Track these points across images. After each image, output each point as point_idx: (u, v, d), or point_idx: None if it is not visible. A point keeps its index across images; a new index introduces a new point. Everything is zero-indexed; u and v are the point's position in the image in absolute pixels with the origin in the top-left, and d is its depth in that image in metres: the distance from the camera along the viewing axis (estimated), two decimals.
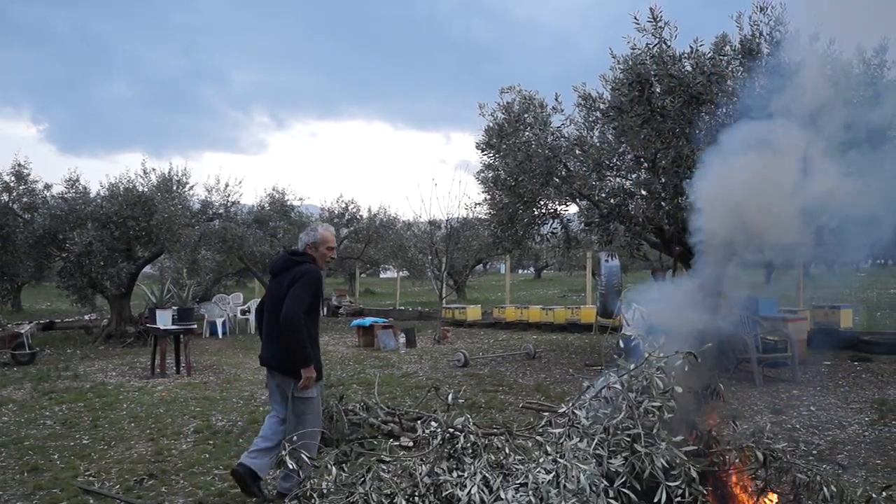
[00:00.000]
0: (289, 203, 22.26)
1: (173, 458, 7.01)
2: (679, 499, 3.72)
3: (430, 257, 20.98)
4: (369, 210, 24.01)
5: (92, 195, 17.47)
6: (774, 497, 4.28)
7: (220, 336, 18.77)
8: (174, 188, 17.73)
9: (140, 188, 17.46)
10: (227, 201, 20.22)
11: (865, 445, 6.98)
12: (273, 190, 22.38)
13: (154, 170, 18.11)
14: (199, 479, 6.30)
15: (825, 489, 4.12)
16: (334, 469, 4.10)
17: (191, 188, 18.74)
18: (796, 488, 4.26)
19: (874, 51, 10.82)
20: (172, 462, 6.85)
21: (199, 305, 19.63)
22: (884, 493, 4.20)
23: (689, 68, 10.69)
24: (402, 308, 26.20)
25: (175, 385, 11.12)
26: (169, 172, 18.06)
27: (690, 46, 10.67)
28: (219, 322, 19.04)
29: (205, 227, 19.22)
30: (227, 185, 20.03)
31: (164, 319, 12.18)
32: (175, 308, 12.73)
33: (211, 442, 7.58)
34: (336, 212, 23.26)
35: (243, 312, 20.67)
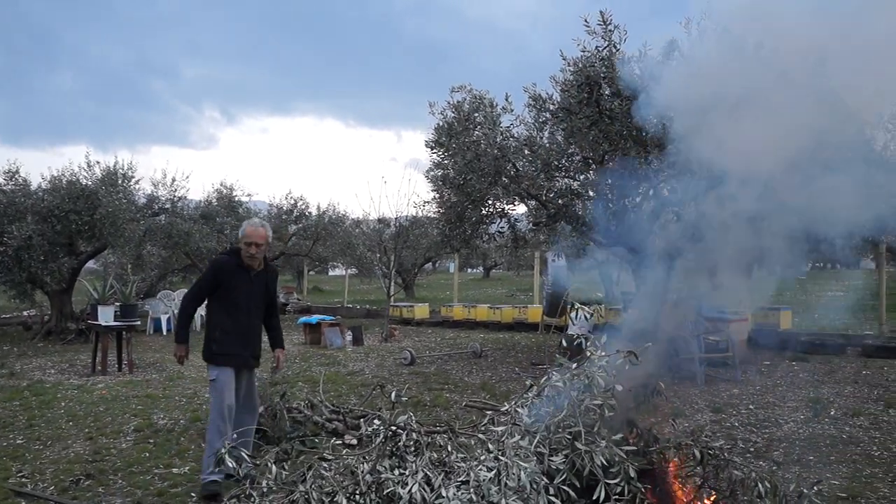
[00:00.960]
0: (237, 199, 21.98)
1: (112, 457, 6.89)
2: (617, 496, 3.77)
3: (378, 255, 20.94)
4: (318, 207, 23.85)
5: (33, 188, 17.08)
6: (712, 494, 4.36)
7: (165, 333, 18.49)
8: (119, 182, 17.39)
9: (84, 181, 17.08)
10: (174, 196, 19.90)
11: (800, 442, 7.16)
12: (221, 185, 22.09)
13: (98, 163, 17.72)
14: (138, 478, 6.20)
15: (760, 485, 4.21)
16: (274, 467, 4.06)
17: (136, 182, 18.41)
18: (732, 485, 4.35)
19: (815, 60, 11.07)
20: (111, 461, 6.74)
21: (144, 302, 19.32)
22: (815, 488, 4.30)
23: (637, 71, 10.82)
24: (350, 306, 26.08)
25: (116, 383, 10.93)
26: (114, 166, 17.74)
27: (639, 50, 10.81)
28: (163, 319, 18.76)
29: (150, 222, 18.91)
30: (173, 180, 19.74)
31: (107, 316, 11.95)
32: (118, 304, 12.50)
33: (152, 441, 7.47)
34: (285, 208, 23.05)
35: None
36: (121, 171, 17.68)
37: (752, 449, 6.94)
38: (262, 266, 6.07)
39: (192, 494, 5.73)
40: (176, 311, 19.63)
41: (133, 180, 18.13)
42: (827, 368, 11.49)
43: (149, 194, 19.44)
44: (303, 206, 23.11)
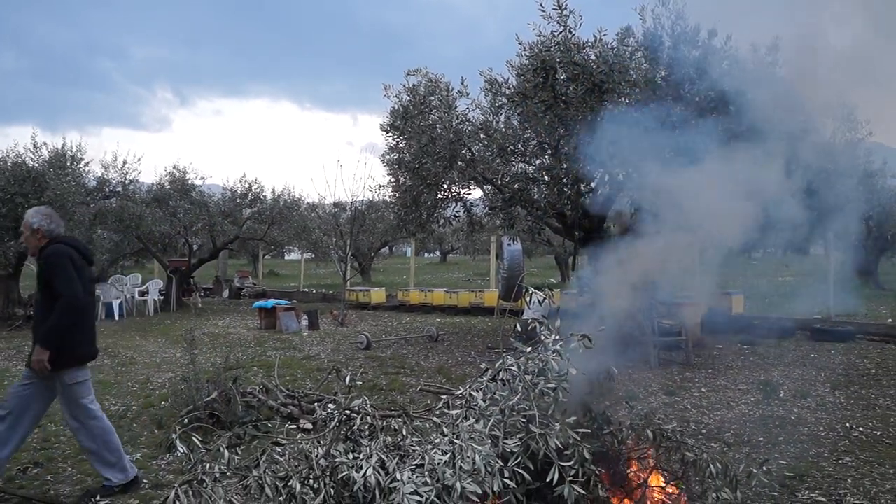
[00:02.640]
0: (190, 182, 21.66)
1: (61, 444, 6.76)
2: (572, 478, 3.79)
3: (334, 239, 20.82)
4: (273, 191, 23.58)
5: None
6: (665, 475, 4.42)
7: (117, 318, 18.23)
8: (68, 164, 17.03)
9: (30, 163, 16.68)
10: (125, 179, 19.57)
11: (750, 424, 7.29)
12: (174, 168, 21.74)
13: (45, 144, 17.31)
14: (87, 465, 6.06)
15: (711, 466, 4.28)
16: (227, 452, 4.01)
17: (86, 164, 18.06)
18: (685, 466, 4.41)
19: (766, 49, 11.23)
20: (60, 449, 6.61)
21: (95, 286, 18.98)
22: (763, 468, 4.39)
23: (592, 57, 10.87)
24: (306, 290, 25.95)
25: None
26: (63, 147, 17.37)
27: (594, 35, 10.86)
28: (115, 304, 18.49)
29: (101, 205, 18.55)
30: (125, 163, 19.41)
31: None
32: None
33: None
34: (239, 192, 22.73)
35: (141, 294, 20.11)
36: (69, 152, 17.32)
37: (703, 431, 7.05)
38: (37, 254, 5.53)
39: (145, 481, 5.65)
40: (129, 296, 19.36)
41: (83, 162, 17.79)
42: (777, 352, 11.71)
43: (99, 177, 19.07)
44: (258, 190, 22.84)
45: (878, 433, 6.90)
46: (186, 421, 6.38)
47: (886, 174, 19.35)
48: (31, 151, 16.98)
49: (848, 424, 7.19)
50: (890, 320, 14.29)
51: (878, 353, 11.40)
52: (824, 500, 5.14)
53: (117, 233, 20.09)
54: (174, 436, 4.25)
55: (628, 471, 4.47)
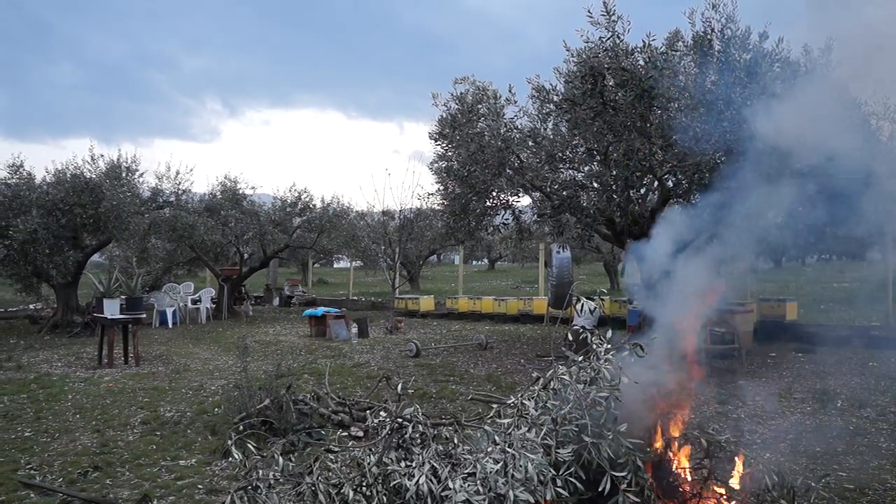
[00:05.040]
0: (241, 191, 21.98)
1: (119, 449, 6.90)
2: (625, 486, 3.77)
3: (383, 247, 20.92)
4: (322, 199, 23.80)
5: (37, 181, 17.05)
6: (719, 486, 4.36)
7: (170, 326, 18.54)
8: (123, 175, 17.41)
9: (88, 175, 17.09)
10: (178, 189, 19.91)
11: (807, 434, 7.14)
12: (225, 178, 22.07)
13: (102, 156, 17.77)
14: (145, 470, 6.21)
15: (767, 478, 4.21)
16: (281, 459, 4.06)
17: (140, 175, 18.42)
18: (740, 477, 4.34)
19: (820, 50, 11.03)
20: (118, 454, 6.75)
21: (149, 295, 19.35)
22: (822, 481, 4.30)
23: (641, 62, 10.77)
24: (356, 298, 26.12)
25: (123, 376, 10.95)
26: (118, 159, 17.76)
27: (643, 40, 10.75)
28: (168, 311, 18.80)
29: (154, 215, 18.91)
30: (177, 173, 19.74)
31: (112, 309, 11.95)
32: (123, 297, 12.51)
33: (158, 433, 7.47)
34: (289, 201, 23.00)
35: (194, 302, 20.42)
36: (124, 164, 17.70)
37: (758, 441, 6.93)
38: None
39: (200, 486, 5.74)
40: (181, 304, 19.69)
41: (137, 173, 18.16)
42: (833, 360, 11.46)
43: (153, 187, 19.43)
44: (307, 199, 23.10)
45: None
46: (240, 427, 6.47)
47: None
48: (88, 163, 17.44)
49: None
50: None
51: None
52: None
53: (170, 242, 20.46)
54: (229, 442, 4.31)
55: (681, 481, 4.42)
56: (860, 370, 10.59)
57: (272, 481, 4.00)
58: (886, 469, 6.00)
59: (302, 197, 23.05)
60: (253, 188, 22.60)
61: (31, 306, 19.74)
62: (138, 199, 17.87)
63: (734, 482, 4.35)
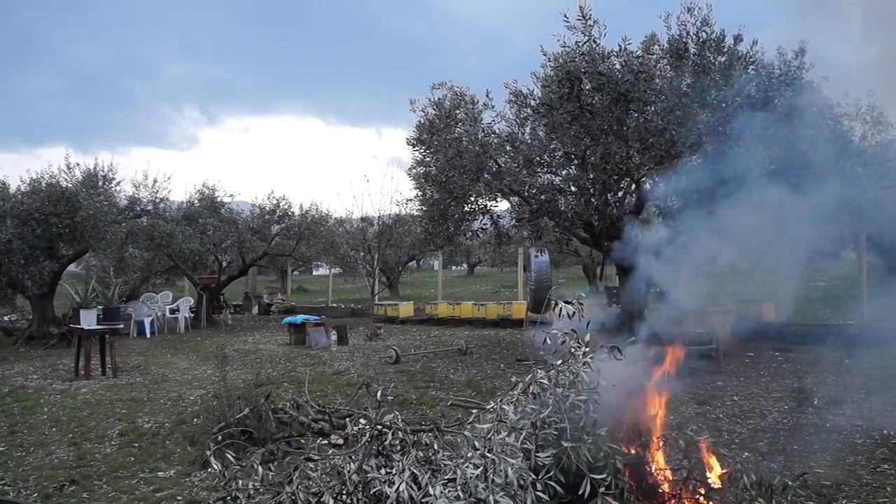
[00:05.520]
0: (219, 199, 21.87)
1: (96, 462, 6.84)
2: (604, 489, 3.78)
3: (362, 254, 20.89)
4: (301, 207, 23.74)
5: (12, 191, 16.89)
6: (698, 486, 4.38)
7: (148, 336, 18.41)
8: (100, 184, 17.27)
9: (63, 183, 16.92)
10: (156, 198, 19.77)
11: (784, 432, 7.21)
12: (203, 186, 21.94)
13: (78, 165, 17.58)
14: (122, 483, 6.15)
15: (745, 477, 4.24)
16: (261, 468, 4.05)
17: (117, 184, 18.27)
18: (719, 477, 4.37)
19: (793, 53, 11.16)
20: (95, 467, 6.68)
21: (127, 305, 19.21)
22: (799, 480, 4.34)
23: (617, 66, 10.85)
24: (335, 305, 26.06)
25: (100, 387, 10.85)
26: (94, 167, 17.62)
27: (619, 45, 10.83)
28: (146, 321, 18.67)
29: (132, 224, 18.77)
30: (155, 181, 19.60)
31: (89, 319, 11.84)
32: (100, 307, 12.40)
33: (137, 445, 7.41)
34: (267, 208, 22.92)
35: (172, 311, 20.28)
36: (101, 172, 17.56)
37: (737, 440, 6.98)
38: None
39: (178, 498, 5.70)
40: (160, 313, 19.55)
41: (114, 182, 18.01)
42: (810, 358, 11.58)
43: (130, 196, 19.29)
44: (285, 206, 23.02)
45: None
46: (219, 438, 6.43)
47: None
48: (64, 172, 17.26)
49: (885, 431, 7.08)
50: None
51: None
52: None
53: (148, 251, 20.33)
54: (208, 452, 4.30)
55: (661, 482, 4.44)
56: (836, 368, 10.69)
57: (251, 491, 3.99)
58: (861, 465, 6.07)
59: (280, 204, 22.98)
60: (231, 196, 22.51)
61: (6, 318, 19.51)
62: (115, 207, 17.72)
63: (713, 482, 4.38)
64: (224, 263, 23.59)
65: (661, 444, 4.45)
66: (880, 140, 12.15)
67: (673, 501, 4.32)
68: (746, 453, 6.42)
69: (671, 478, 4.44)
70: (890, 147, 12.55)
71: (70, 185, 16.89)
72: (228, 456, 4.16)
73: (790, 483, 4.28)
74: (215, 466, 4.16)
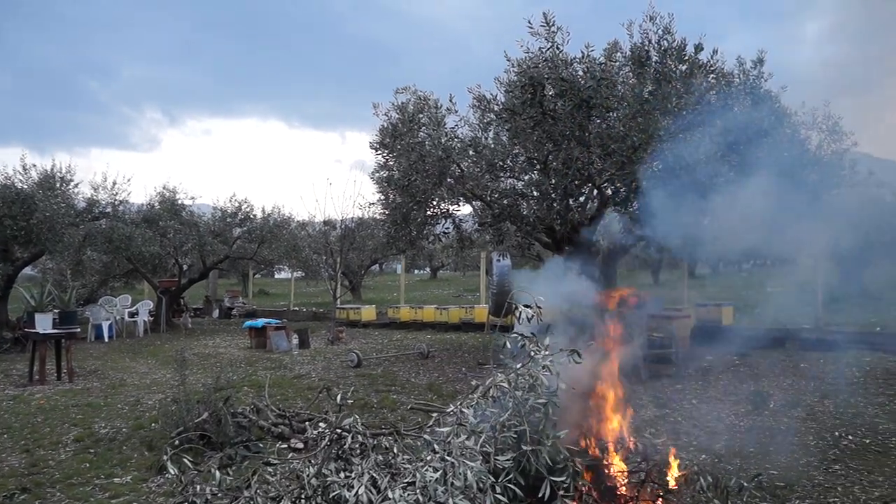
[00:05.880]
0: (180, 202, 21.63)
1: (50, 469, 6.71)
2: (563, 492, 3.81)
3: (324, 257, 20.80)
4: (263, 210, 23.58)
5: None
6: (656, 489, 4.43)
7: (107, 340, 18.13)
8: (57, 185, 17.00)
9: (19, 185, 16.63)
10: (115, 200, 19.47)
11: (741, 435, 7.31)
12: (164, 188, 21.69)
13: (34, 166, 17.30)
14: (77, 490, 6.05)
15: (702, 479, 4.29)
16: (218, 473, 4.01)
17: (75, 186, 17.99)
18: (676, 479, 4.42)
19: (752, 62, 11.36)
20: (49, 474, 6.55)
21: (84, 308, 18.91)
22: (754, 481, 4.41)
23: (580, 73, 10.93)
24: (297, 309, 25.91)
25: (55, 392, 10.66)
26: (51, 169, 17.33)
27: (582, 51, 10.92)
28: (105, 325, 18.38)
29: (90, 226, 18.48)
30: (114, 183, 19.30)
31: (44, 323, 11.63)
32: (56, 311, 12.19)
33: (92, 451, 7.29)
34: (229, 211, 22.71)
35: (131, 315, 20.01)
36: (58, 174, 17.29)
37: (695, 443, 7.06)
38: None
39: None
40: (118, 317, 19.27)
41: (72, 184, 17.73)
42: (767, 362, 11.74)
43: (88, 198, 18.98)
44: (247, 209, 22.82)
45: (867, 441, 6.94)
46: (177, 442, 6.35)
47: (871, 184, 19.47)
48: (19, 173, 16.96)
49: (837, 433, 7.22)
50: (878, 328, 14.35)
51: (867, 362, 11.44)
52: None
53: (107, 254, 20.02)
54: (165, 457, 4.25)
55: (619, 485, 4.48)
56: (792, 371, 10.87)
57: (209, 496, 3.95)
58: (814, 466, 6.18)
59: (242, 207, 22.77)
60: (192, 198, 22.28)
61: None
62: (73, 210, 17.45)
63: (671, 484, 4.43)
64: (184, 266, 23.33)
65: (619, 446, 4.49)
66: (835, 149, 12.38)
67: (631, 503, 4.36)
68: (704, 455, 6.51)
69: (630, 480, 4.48)
70: (844, 156, 12.80)
71: (26, 187, 16.60)
72: (186, 461, 4.12)
73: (745, 484, 4.34)
74: (172, 472, 4.11)
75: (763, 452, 6.64)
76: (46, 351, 11.71)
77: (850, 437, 7.07)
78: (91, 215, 18.93)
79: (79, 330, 13.28)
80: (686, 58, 10.82)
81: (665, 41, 10.78)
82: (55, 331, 11.78)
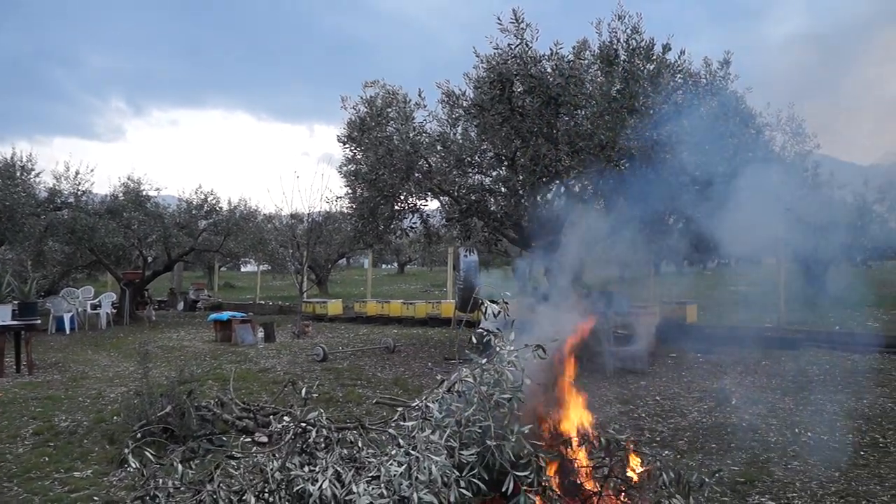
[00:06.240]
0: (145, 193, 21.35)
1: (7, 463, 6.59)
2: (527, 487, 3.82)
3: (291, 251, 20.69)
4: (230, 202, 23.39)
5: None
6: (619, 484, 4.46)
7: (68, 332, 17.86)
8: (17, 174, 16.78)
9: None
10: (78, 190, 19.24)
11: (703, 431, 7.40)
12: (128, 179, 21.37)
13: None
14: (35, 484, 5.96)
15: (664, 475, 4.33)
16: (180, 467, 3.97)
17: (37, 175, 17.77)
18: (639, 475, 4.46)
19: (719, 63, 11.47)
20: (6, 468, 6.44)
21: (45, 300, 18.63)
22: (715, 476, 4.46)
23: (549, 70, 10.97)
24: (263, 302, 25.73)
25: (14, 385, 10.49)
26: (12, 157, 17.11)
27: (551, 49, 10.96)
28: (66, 317, 18.11)
29: (52, 216, 18.24)
30: (77, 173, 19.07)
31: (3, 315, 11.42)
32: (16, 302, 12.00)
33: (52, 444, 7.19)
34: (195, 203, 22.48)
35: (94, 307, 19.75)
36: (19, 163, 17.06)
37: (658, 439, 7.13)
38: None
39: (95, 498, 5.56)
40: (80, 309, 19.01)
41: (33, 173, 17.51)
42: (730, 360, 11.89)
43: (50, 188, 18.73)
44: (213, 201, 22.60)
45: (825, 437, 7.05)
46: (139, 436, 6.28)
47: (834, 185, 19.79)
48: None
49: (797, 430, 7.33)
50: (837, 328, 14.59)
51: (827, 360, 11.63)
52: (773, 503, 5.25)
53: (69, 245, 19.76)
54: (126, 451, 4.20)
55: (583, 480, 4.51)
56: (754, 369, 11.01)
57: (171, 490, 3.92)
58: (774, 462, 6.28)
59: (208, 199, 22.56)
60: (157, 190, 21.98)
61: None
62: (34, 199, 17.21)
63: (633, 480, 4.47)
64: (149, 258, 23.08)
65: (583, 442, 4.52)
66: (798, 150, 12.57)
67: (594, 499, 4.39)
68: (666, 451, 6.58)
69: (593, 475, 4.51)
70: (807, 157, 12.99)
71: None
72: (148, 454, 4.07)
73: (707, 480, 4.39)
74: (133, 465, 4.06)
75: (725, 449, 6.73)
76: (5, 343, 11.51)
77: (809, 434, 7.19)
78: (53, 205, 18.68)
79: (39, 321, 13.09)
80: (654, 57, 10.90)
81: (633, 40, 10.85)
82: (14, 322, 11.60)
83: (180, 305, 26.08)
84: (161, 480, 3.93)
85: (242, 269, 45.33)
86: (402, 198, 13.33)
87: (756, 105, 12.23)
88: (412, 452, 3.76)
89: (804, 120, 12.38)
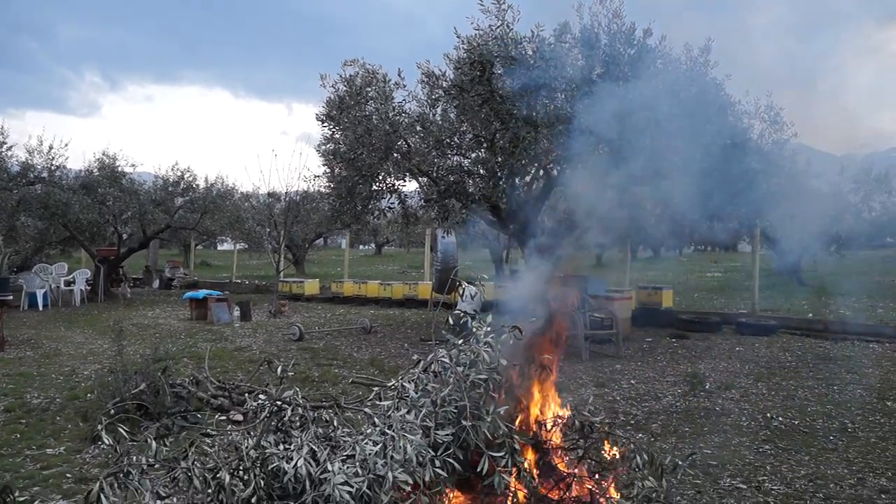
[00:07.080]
0: (120, 169, 21.11)
1: None
2: (502, 468, 3.84)
3: (268, 230, 20.59)
4: (206, 179, 23.22)
5: None
6: (594, 466, 4.49)
7: (41, 308, 17.69)
8: None
9: None
10: (51, 164, 19.01)
11: (677, 415, 7.46)
12: (104, 154, 21.13)
13: None
14: (6, 461, 5.90)
15: (638, 457, 4.37)
16: (155, 444, 3.94)
17: (9, 149, 17.51)
18: (613, 457, 4.49)
19: (700, 50, 11.48)
20: None
21: (17, 276, 18.43)
22: (688, 459, 4.51)
23: (529, 52, 10.94)
24: (239, 281, 25.60)
25: None
26: None
27: (532, 31, 10.92)
28: (39, 293, 17.93)
29: (24, 191, 18.01)
30: (51, 148, 18.83)
31: None
32: None
33: (23, 421, 7.13)
34: (171, 180, 22.28)
35: (67, 283, 19.55)
36: None
37: (632, 422, 7.19)
38: None
39: (68, 475, 5.52)
40: (54, 285, 18.82)
41: (5, 147, 17.24)
42: (704, 345, 12.00)
43: (23, 162, 18.47)
44: (190, 178, 22.42)
45: (796, 422, 7.14)
46: (113, 412, 6.25)
47: (810, 175, 19.95)
48: None
49: (769, 414, 7.42)
50: (811, 315, 14.76)
51: (799, 346, 11.77)
52: (744, 486, 5.31)
53: (42, 220, 19.56)
54: (100, 427, 4.16)
55: (557, 462, 4.53)
56: (728, 354, 11.12)
57: (145, 467, 3.88)
58: (746, 445, 6.36)
59: (185, 176, 22.38)
60: (133, 166, 21.76)
61: None
62: (6, 174, 16.98)
63: (607, 462, 4.50)
64: (124, 235, 22.87)
65: (558, 423, 4.54)
66: (776, 139, 12.60)
67: (568, 480, 4.42)
68: (640, 434, 6.64)
69: (568, 457, 4.54)
70: (785, 146, 13.04)
71: None
72: (122, 431, 4.04)
73: (680, 462, 4.43)
74: (107, 441, 4.02)
75: (698, 432, 6.80)
76: None
77: (780, 419, 7.27)
78: (26, 180, 18.44)
79: (11, 297, 12.95)
80: (635, 42, 10.90)
81: (614, 24, 10.84)
82: None
83: (156, 283, 25.89)
84: (135, 457, 3.90)
85: (219, 248, 45.10)
86: (381, 178, 13.27)
87: (734, 92, 12.25)
88: (388, 432, 3.75)
89: (782, 108, 12.40)
